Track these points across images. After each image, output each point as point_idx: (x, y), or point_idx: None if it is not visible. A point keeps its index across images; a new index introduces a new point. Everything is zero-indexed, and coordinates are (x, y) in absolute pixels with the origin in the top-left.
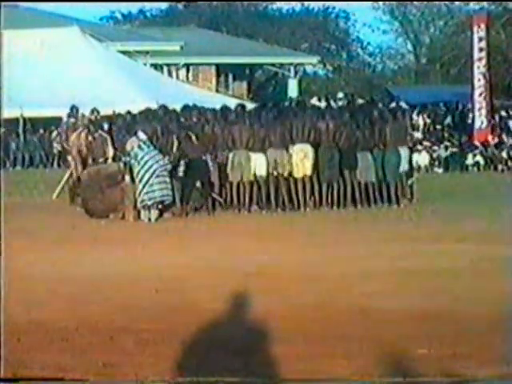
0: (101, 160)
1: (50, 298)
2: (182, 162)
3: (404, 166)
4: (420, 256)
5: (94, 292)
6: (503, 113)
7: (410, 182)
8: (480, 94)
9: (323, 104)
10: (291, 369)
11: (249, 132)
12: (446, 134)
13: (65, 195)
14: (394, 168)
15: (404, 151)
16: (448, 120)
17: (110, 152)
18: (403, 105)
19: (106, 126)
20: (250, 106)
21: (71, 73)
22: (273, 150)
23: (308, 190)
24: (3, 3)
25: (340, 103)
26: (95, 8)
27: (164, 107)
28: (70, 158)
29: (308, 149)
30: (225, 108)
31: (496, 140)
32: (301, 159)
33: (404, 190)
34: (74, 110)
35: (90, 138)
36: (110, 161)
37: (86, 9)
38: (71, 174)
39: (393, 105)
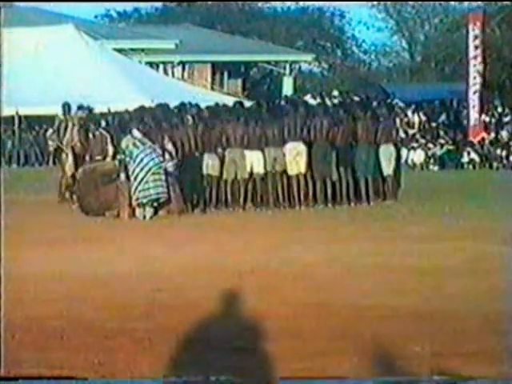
0: (98, 158)
1: (45, 296)
2: (168, 158)
3: (388, 164)
4: (415, 254)
5: (89, 290)
6: (499, 110)
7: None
8: (475, 92)
9: (317, 102)
10: (286, 367)
11: (243, 130)
12: (441, 132)
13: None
14: (363, 165)
15: (386, 149)
16: (443, 118)
17: (110, 150)
18: (398, 102)
19: (104, 124)
20: (246, 103)
21: (66, 71)
22: (271, 147)
23: (302, 187)
24: (1, 3)
25: (335, 101)
26: (90, 6)
27: (161, 105)
28: (64, 155)
29: (301, 147)
30: (220, 106)
31: (491, 137)
32: (294, 157)
33: (382, 187)
34: (65, 107)
35: (90, 135)
36: (109, 159)
37: (81, 7)
38: (65, 172)
39: (374, 102)
